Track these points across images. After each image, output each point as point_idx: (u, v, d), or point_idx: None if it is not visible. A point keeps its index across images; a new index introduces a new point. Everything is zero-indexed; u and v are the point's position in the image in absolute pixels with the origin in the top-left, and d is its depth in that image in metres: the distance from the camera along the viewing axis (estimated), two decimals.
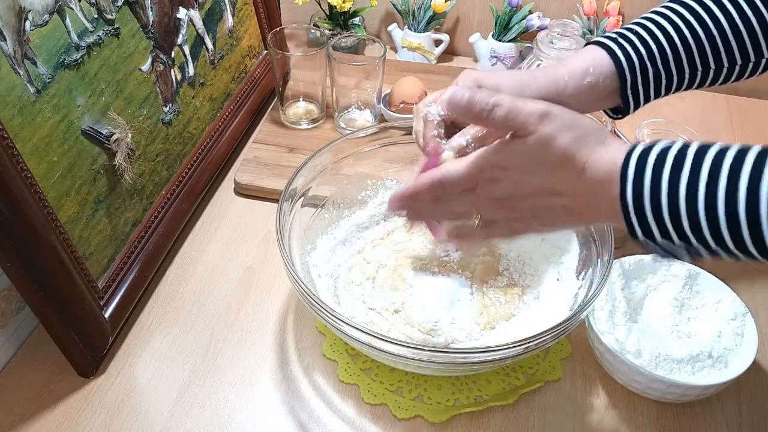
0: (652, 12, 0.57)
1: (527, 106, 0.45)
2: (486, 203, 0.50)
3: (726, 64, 0.56)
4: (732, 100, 1.06)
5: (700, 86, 0.58)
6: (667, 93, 0.58)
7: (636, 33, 0.56)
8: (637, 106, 0.58)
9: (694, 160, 0.40)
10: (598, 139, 0.46)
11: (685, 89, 0.58)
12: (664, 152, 0.41)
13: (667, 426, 0.61)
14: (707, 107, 1.05)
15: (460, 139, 0.53)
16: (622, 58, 0.55)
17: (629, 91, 0.56)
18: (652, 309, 0.66)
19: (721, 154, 0.39)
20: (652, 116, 0.95)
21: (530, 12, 1.06)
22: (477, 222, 0.52)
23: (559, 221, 0.49)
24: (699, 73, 0.56)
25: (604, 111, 0.60)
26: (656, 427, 0.61)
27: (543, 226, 0.50)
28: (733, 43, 0.54)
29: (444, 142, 0.54)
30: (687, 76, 0.56)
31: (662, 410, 0.63)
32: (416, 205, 0.53)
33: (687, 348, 0.62)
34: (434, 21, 1.10)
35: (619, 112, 0.59)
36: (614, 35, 0.57)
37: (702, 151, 0.40)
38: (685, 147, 0.41)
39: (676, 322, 0.66)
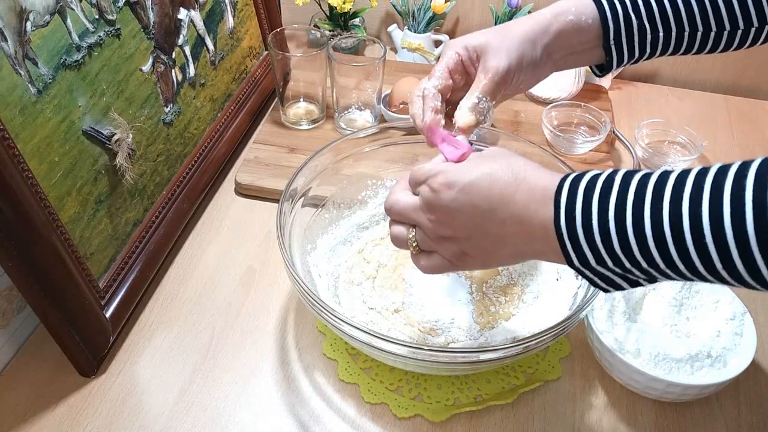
0: None
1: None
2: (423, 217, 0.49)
3: (714, 28, 0.55)
4: (732, 100, 1.07)
5: (688, 51, 0.57)
6: (653, 53, 0.57)
7: None
8: (621, 62, 0.57)
9: (621, 182, 0.40)
10: (524, 164, 0.45)
11: (673, 53, 0.57)
12: (594, 178, 0.41)
13: (665, 425, 0.62)
14: (707, 107, 1.05)
15: (471, 97, 0.54)
16: (605, 3, 0.55)
17: (612, 42, 0.55)
18: (651, 309, 0.67)
19: (647, 176, 0.39)
20: (651, 116, 0.96)
21: (530, 12, 1.06)
22: (413, 245, 0.51)
23: (492, 251, 0.46)
24: (686, 35, 0.56)
25: (590, 69, 0.60)
26: (655, 426, 0.61)
27: (477, 258, 0.48)
28: (722, 5, 0.54)
29: (442, 117, 0.54)
30: (674, 35, 0.55)
31: (661, 410, 0.63)
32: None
33: (686, 348, 0.62)
34: (434, 22, 1.10)
35: (603, 69, 0.59)
36: None
37: (629, 175, 0.40)
38: (613, 173, 0.41)
39: (675, 321, 0.66)
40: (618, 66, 0.58)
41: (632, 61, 0.58)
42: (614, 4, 0.55)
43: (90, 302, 0.61)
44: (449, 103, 0.57)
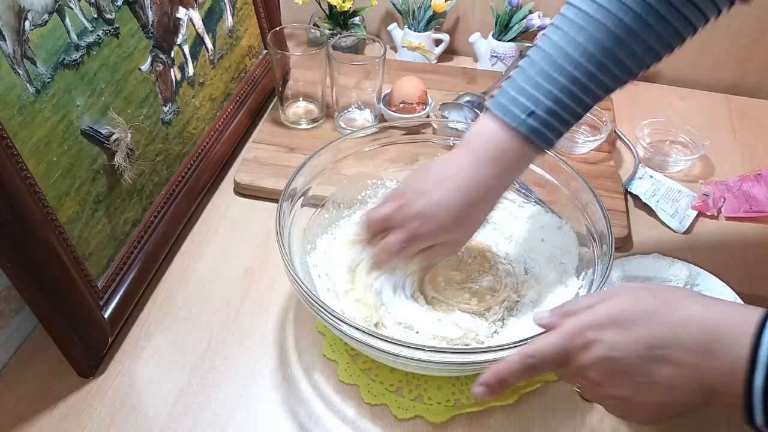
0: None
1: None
2: (581, 378, 0.47)
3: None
4: (733, 99, 1.06)
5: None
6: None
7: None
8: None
9: None
10: (697, 295, 0.45)
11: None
12: None
13: (667, 426, 0.61)
14: (707, 107, 1.05)
15: None
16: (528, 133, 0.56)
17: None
18: None
19: None
20: (653, 116, 0.95)
21: (530, 11, 1.06)
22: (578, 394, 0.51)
23: (659, 397, 0.44)
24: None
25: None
26: (656, 427, 0.61)
27: (645, 404, 0.45)
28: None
29: None
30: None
31: None
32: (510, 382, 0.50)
33: None
34: (434, 20, 1.10)
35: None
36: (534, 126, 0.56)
37: None
38: None
39: None
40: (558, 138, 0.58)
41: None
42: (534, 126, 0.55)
43: (88, 302, 0.61)
44: None
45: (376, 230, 0.62)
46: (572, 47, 0.53)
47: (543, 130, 0.55)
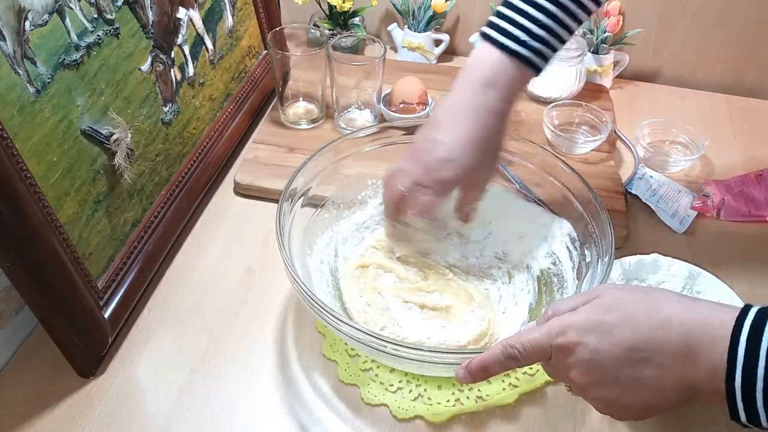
0: None
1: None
2: (564, 378, 0.48)
3: None
4: (732, 100, 1.06)
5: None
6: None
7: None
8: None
9: None
10: (678, 296, 0.45)
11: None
12: None
13: (667, 427, 0.61)
14: (707, 107, 1.05)
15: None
16: (524, 52, 0.58)
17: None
18: None
19: None
20: (653, 116, 0.96)
21: None
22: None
23: (643, 397, 0.45)
24: None
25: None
26: (657, 427, 0.61)
27: (630, 404, 0.46)
28: None
29: None
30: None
31: None
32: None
33: None
34: (434, 21, 1.10)
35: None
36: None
37: None
38: None
39: None
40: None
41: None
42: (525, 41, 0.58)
43: (88, 303, 0.61)
44: None
45: (403, 204, 0.63)
46: None
47: (545, 52, 0.58)
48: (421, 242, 0.70)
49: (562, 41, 0.59)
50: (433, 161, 0.59)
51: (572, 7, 0.58)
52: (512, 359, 0.48)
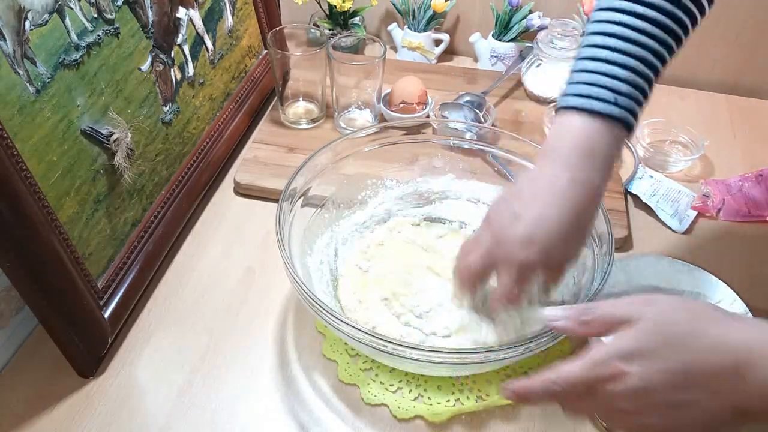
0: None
1: (623, 301, 0.46)
2: (610, 408, 0.46)
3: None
4: (732, 100, 1.06)
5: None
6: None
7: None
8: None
9: None
10: (722, 315, 0.44)
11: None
12: None
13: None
14: (707, 107, 1.05)
15: None
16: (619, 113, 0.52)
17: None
18: None
19: None
20: (653, 116, 0.95)
21: (530, 11, 1.06)
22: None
23: (691, 421, 0.43)
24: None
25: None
26: None
27: (677, 428, 0.45)
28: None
29: None
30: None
31: None
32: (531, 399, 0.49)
33: None
34: (434, 20, 1.10)
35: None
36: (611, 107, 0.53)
37: None
38: None
39: None
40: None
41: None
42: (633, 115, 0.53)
43: (88, 302, 0.61)
44: None
45: (475, 280, 0.57)
46: (624, 31, 0.52)
47: (634, 108, 0.53)
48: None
49: (646, 94, 0.54)
50: (514, 238, 0.52)
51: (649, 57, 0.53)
52: (553, 395, 0.46)
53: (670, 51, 0.54)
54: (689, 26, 0.55)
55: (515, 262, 0.52)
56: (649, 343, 0.44)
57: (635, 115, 0.53)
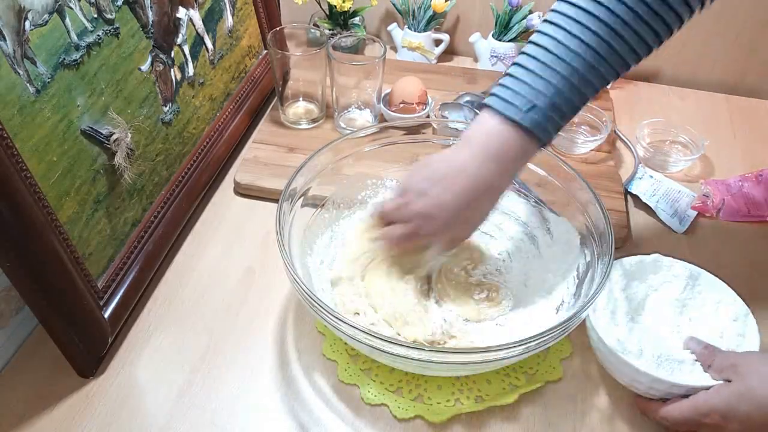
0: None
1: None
2: None
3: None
4: (733, 99, 1.06)
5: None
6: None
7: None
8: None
9: None
10: None
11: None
12: None
13: (668, 427, 0.61)
14: (707, 107, 1.05)
15: None
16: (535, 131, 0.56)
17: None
18: (653, 309, 0.66)
19: None
20: (653, 116, 0.96)
21: (530, 12, 1.06)
22: None
23: None
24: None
25: None
26: (657, 427, 0.61)
27: None
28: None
29: None
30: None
31: None
32: None
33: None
34: (434, 20, 1.10)
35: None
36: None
37: None
38: None
39: (678, 322, 0.65)
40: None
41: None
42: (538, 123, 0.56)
43: (88, 303, 0.61)
44: None
45: (384, 222, 0.65)
46: (568, 39, 0.54)
47: (544, 124, 0.55)
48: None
49: (574, 109, 0.57)
50: (414, 210, 0.60)
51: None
52: (665, 428, 0.58)
53: (611, 73, 0.56)
54: (650, 40, 0.55)
55: (408, 227, 0.61)
56: (753, 401, 0.52)
57: (554, 126, 0.56)
